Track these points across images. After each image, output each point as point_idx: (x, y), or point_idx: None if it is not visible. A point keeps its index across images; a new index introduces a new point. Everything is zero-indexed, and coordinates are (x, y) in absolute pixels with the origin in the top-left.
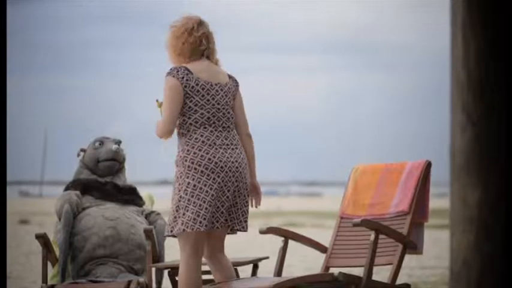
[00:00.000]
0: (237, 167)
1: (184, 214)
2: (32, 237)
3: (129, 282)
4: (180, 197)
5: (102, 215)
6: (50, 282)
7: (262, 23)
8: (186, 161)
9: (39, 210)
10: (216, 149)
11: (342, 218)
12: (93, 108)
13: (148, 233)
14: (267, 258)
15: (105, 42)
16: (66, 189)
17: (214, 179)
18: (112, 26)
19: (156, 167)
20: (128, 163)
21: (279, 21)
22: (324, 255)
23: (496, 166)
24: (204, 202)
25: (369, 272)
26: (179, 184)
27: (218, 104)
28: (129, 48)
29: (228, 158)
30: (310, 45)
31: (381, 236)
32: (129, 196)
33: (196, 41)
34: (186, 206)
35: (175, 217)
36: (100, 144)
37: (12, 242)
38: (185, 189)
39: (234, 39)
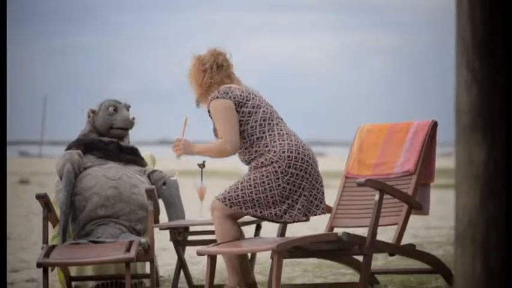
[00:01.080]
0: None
1: (292, 205)
2: (32, 197)
3: (131, 242)
4: (284, 188)
5: (103, 175)
6: (50, 243)
7: None
8: (284, 152)
9: (40, 170)
10: (298, 139)
11: (346, 177)
12: (94, 68)
13: (150, 193)
14: None
15: (111, 3)
16: (68, 148)
17: (311, 165)
18: None
19: (156, 127)
20: None
21: None
22: (328, 215)
23: (501, 124)
24: (304, 189)
25: (373, 232)
26: (277, 178)
27: (270, 104)
28: (135, 9)
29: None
30: (319, 4)
31: (386, 196)
32: (131, 156)
33: (213, 69)
34: (293, 196)
35: (274, 203)
36: (114, 110)
37: (13, 202)
38: (287, 179)
39: None
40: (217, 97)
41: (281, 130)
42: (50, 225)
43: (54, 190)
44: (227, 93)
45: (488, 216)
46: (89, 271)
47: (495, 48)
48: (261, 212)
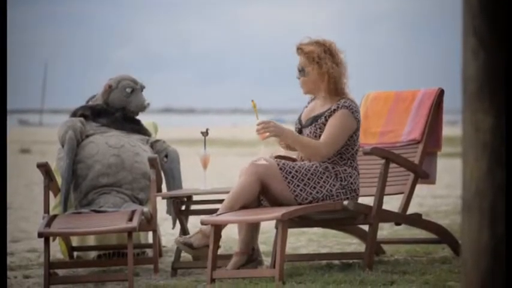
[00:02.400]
0: None
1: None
2: (33, 166)
3: (133, 212)
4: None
5: (106, 143)
6: (52, 213)
7: None
8: (352, 185)
9: (40, 139)
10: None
11: None
12: (97, 35)
13: (152, 162)
14: None
15: None
16: (74, 113)
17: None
18: None
19: (159, 95)
20: None
21: None
22: None
23: (508, 91)
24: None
25: (379, 202)
26: (336, 193)
27: None
28: None
29: None
30: None
31: (392, 165)
32: (135, 125)
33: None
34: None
35: (305, 186)
36: (131, 92)
37: (13, 171)
38: (338, 200)
39: None
40: (353, 112)
41: (357, 165)
42: (51, 194)
43: (56, 158)
44: (358, 114)
45: (496, 185)
46: (91, 241)
47: (503, 13)
48: (294, 192)
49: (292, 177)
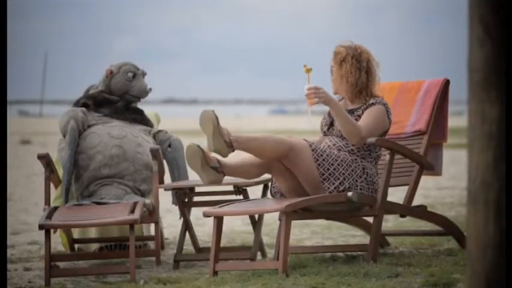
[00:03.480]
0: None
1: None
2: (33, 157)
3: (135, 203)
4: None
5: (108, 133)
6: (53, 204)
7: None
8: (373, 184)
9: (41, 130)
10: None
11: None
12: (97, 25)
13: (155, 153)
14: None
15: None
16: (77, 102)
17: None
18: None
19: (161, 86)
20: None
21: None
22: None
23: None
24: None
25: (384, 193)
26: (360, 183)
27: None
28: None
29: None
30: None
31: (396, 156)
32: (137, 115)
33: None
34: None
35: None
36: (133, 76)
37: (13, 163)
38: (358, 189)
39: None
40: (387, 111)
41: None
42: (52, 186)
43: (57, 149)
44: (391, 116)
45: (502, 176)
46: (92, 233)
47: (509, 1)
48: (323, 175)
49: (323, 160)
